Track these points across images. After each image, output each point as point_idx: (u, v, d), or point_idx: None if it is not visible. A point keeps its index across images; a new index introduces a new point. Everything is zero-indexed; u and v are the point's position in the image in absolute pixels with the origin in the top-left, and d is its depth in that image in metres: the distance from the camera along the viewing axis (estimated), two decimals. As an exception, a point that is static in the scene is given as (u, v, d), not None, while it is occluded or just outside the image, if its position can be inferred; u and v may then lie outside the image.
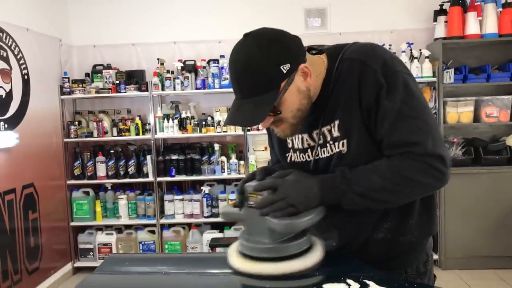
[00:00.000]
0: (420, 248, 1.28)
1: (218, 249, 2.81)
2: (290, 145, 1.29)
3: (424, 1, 4.27)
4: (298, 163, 1.27)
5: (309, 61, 1.13)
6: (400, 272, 1.25)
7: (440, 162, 1.07)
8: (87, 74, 4.41)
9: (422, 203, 1.23)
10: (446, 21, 4.07)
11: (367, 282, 0.98)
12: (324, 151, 1.20)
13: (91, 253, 4.33)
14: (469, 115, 4.00)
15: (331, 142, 1.17)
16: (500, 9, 3.98)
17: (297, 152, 1.26)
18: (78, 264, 4.33)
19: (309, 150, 1.23)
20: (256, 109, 1.06)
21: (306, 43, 4.43)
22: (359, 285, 0.97)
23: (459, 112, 4.01)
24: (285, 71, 1.06)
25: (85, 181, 4.28)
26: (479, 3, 3.99)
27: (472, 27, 3.97)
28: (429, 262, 1.31)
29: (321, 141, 1.19)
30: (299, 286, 1.00)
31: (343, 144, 1.15)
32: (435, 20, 4.14)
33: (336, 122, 1.15)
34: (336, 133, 1.16)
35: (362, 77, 1.11)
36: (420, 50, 4.05)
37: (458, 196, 3.92)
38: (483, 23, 3.99)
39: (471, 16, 3.97)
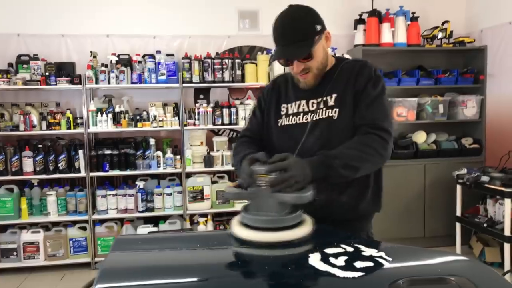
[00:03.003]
0: (369, 219, 1.69)
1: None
2: (284, 112, 1.65)
3: (346, 10, 4.71)
4: (287, 126, 1.62)
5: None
6: (358, 235, 1.58)
7: (387, 135, 1.49)
8: (10, 64, 4.16)
9: (374, 181, 1.61)
10: (364, 30, 4.56)
11: (358, 246, 1.21)
12: (314, 115, 1.57)
13: (15, 253, 4.10)
14: (383, 114, 4.51)
15: (324, 109, 1.56)
16: (409, 22, 4.56)
17: (290, 116, 1.63)
18: (0, 265, 4.08)
19: (301, 114, 1.61)
20: (298, 49, 1.50)
21: (239, 43, 4.75)
22: (352, 249, 1.20)
23: (375, 112, 4.50)
24: (318, 29, 1.51)
25: (9, 177, 4.05)
26: (392, 16, 4.53)
27: (386, 36, 4.50)
28: (372, 234, 1.70)
29: (313, 108, 1.59)
30: (301, 252, 1.20)
31: (335, 111, 1.54)
32: (355, 28, 4.61)
33: (334, 95, 1.57)
34: (331, 103, 1.56)
35: (360, 70, 1.57)
36: (343, 54, 4.48)
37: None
38: (395, 34, 4.53)
39: (386, 27, 4.50)
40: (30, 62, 4.10)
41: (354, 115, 1.53)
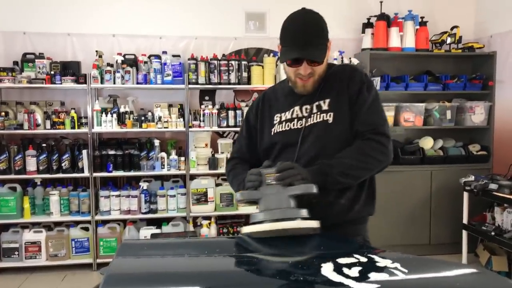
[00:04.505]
0: (364, 223, 1.69)
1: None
2: (277, 120, 1.66)
3: (354, 14, 4.67)
4: (280, 133, 1.63)
5: None
6: (355, 239, 1.58)
7: (386, 140, 1.54)
8: (15, 63, 4.14)
9: (368, 184, 1.63)
10: (372, 34, 4.51)
11: (371, 256, 1.17)
12: (309, 120, 1.59)
13: (16, 253, 4.07)
14: (390, 119, 4.47)
15: (318, 113, 1.58)
16: (418, 27, 4.51)
17: (283, 122, 1.64)
18: (1, 265, 4.05)
19: (295, 120, 1.62)
20: (317, 51, 1.52)
21: (245, 45, 4.72)
22: (366, 259, 1.15)
23: (381, 116, 4.46)
24: (328, 37, 1.55)
25: (12, 176, 4.02)
26: (400, 20, 4.49)
27: (395, 40, 4.46)
28: (368, 238, 1.69)
29: (307, 113, 1.60)
30: (313, 261, 1.16)
31: (330, 115, 1.56)
32: (363, 32, 4.56)
33: (327, 100, 1.59)
34: (325, 107, 1.58)
35: (352, 75, 1.60)
36: (350, 58, 4.44)
37: (377, 191, 4.35)
38: (403, 38, 4.49)
39: (394, 31, 4.45)
40: (36, 60, 4.07)
41: (353, 120, 1.56)
